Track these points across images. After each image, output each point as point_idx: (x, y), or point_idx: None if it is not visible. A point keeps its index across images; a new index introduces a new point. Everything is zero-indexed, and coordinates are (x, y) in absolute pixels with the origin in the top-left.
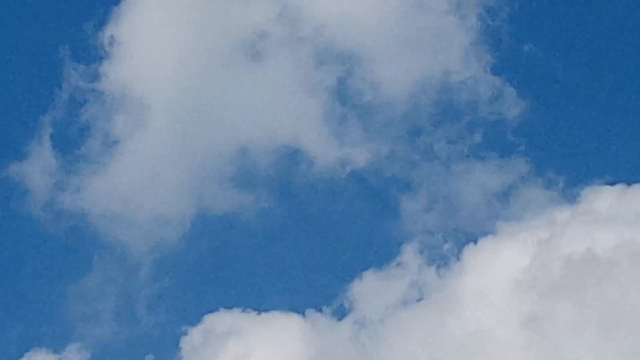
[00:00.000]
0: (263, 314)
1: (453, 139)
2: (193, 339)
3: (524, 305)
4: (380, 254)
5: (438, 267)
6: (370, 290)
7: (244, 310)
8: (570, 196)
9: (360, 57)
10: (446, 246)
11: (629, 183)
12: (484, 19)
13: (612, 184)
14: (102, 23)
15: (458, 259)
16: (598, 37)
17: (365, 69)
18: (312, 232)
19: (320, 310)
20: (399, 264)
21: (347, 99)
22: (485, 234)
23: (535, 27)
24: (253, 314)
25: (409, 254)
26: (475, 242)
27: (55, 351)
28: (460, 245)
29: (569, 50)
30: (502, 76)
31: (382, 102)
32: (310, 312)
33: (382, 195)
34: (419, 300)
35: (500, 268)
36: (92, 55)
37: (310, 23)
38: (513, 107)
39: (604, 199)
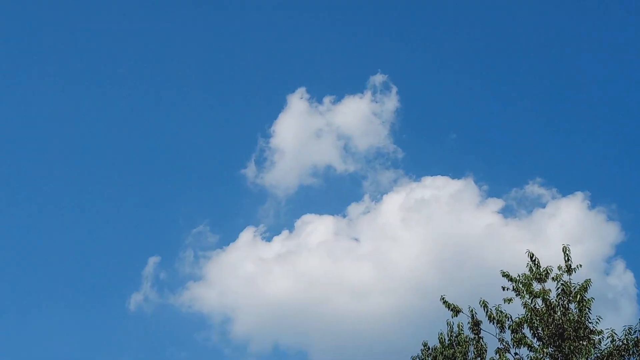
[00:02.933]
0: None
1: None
2: (300, 223)
3: (406, 213)
4: None
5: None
6: None
7: (320, 215)
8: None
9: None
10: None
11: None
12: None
13: (442, 175)
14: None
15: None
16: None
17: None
18: None
19: None
20: None
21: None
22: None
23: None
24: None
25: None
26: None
27: (254, 225)
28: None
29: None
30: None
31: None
32: None
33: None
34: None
35: (398, 201)
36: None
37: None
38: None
39: (437, 181)
